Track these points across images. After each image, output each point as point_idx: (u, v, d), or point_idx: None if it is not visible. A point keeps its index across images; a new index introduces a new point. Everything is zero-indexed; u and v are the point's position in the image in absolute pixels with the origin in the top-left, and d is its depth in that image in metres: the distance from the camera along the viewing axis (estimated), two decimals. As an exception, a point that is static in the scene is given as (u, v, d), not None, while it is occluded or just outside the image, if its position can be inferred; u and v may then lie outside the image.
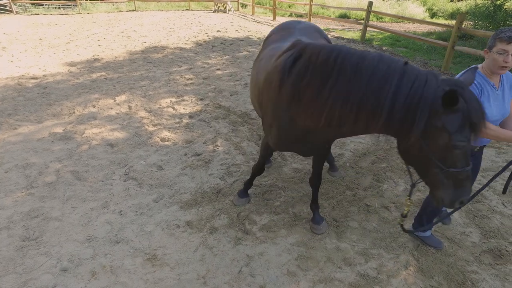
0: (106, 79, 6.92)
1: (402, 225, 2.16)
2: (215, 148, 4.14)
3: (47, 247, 2.64)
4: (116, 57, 8.78)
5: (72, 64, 8.04)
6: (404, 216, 2.10)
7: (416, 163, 1.72)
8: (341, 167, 3.74)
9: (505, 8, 11.39)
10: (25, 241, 2.70)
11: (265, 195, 3.25)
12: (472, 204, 3.26)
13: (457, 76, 2.06)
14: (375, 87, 1.59)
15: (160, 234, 2.76)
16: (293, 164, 3.78)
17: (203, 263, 2.48)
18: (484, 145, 2.40)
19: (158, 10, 21.75)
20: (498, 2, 11.43)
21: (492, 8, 11.29)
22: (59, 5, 21.15)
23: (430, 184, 1.71)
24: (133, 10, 20.91)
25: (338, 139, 4.37)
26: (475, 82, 2.10)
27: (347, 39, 11.96)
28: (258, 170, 3.01)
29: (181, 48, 9.89)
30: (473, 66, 1.97)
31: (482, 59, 8.57)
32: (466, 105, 1.48)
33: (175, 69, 7.75)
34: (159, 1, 22.76)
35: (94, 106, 5.42)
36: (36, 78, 6.96)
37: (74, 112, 5.20)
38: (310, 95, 1.78)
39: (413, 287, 2.35)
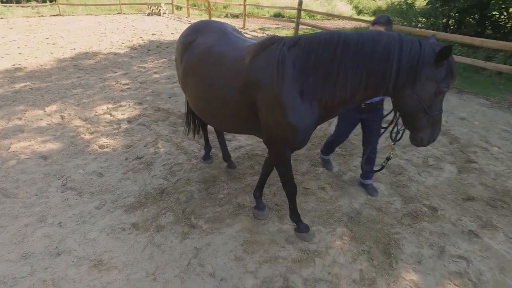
0: (32, 89, 6.42)
1: (383, 166, 2.61)
2: (156, 150, 4.12)
3: (-24, 270, 2.45)
4: (41, 65, 8.15)
5: (-11, 76, 7.31)
6: (388, 159, 2.52)
7: (407, 113, 2.02)
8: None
9: (415, 6, 12.78)
10: (-51, 268, 2.48)
11: (209, 190, 3.35)
12: (396, 176, 3.70)
13: None
14: (380, 56, 1.89)
15: (105, 239, 2.72)
16: (234, 159, 3.92)
17: (151, 261, 2.51)
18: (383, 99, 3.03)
19: (87, 14, 20.46)
20: (409, 1, 12.78)
21: (404, 6, 12.61)
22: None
23: (414, 128, 2.07)
24: (57, 15, 19.41)
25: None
26: None
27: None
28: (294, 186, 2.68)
29: (115, 53, 9.50)
30: None
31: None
32: (447, 60, 1.86)
33: (109, 75, 7.45)
34: (87, 5, 21.42)
35: (20, 119, 5.03)
36: None
37: (-4, 127, 4.78)
38: (321, 76, 2.02)
39: (348, 254, 2.63)
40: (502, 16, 10.39)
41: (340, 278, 2.43)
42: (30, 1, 22.09)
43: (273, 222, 2.94)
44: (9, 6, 19.93)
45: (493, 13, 9.99)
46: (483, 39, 7.05)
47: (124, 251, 2.61)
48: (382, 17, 2.72)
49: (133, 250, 2.62)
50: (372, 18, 18.08)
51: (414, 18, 11.32)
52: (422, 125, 2.01)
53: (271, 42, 2.20)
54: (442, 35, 7.59)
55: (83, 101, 5.82)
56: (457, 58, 7.32)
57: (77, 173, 3.67)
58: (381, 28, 2.59)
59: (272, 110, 2.15)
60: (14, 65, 8.11)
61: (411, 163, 3.99)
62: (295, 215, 2.78)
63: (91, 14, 20.52)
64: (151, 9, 20.74)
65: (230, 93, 2.33)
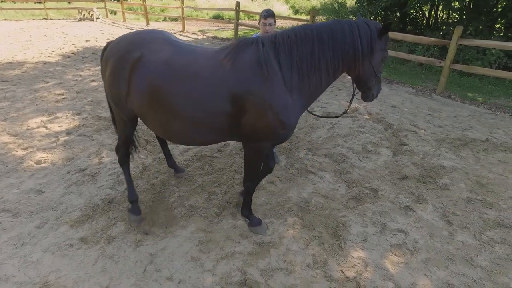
0: None
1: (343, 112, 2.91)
2: (100, 160, 3.94)
3: None
4: (-44, 79, 7.27)
5: None
6: (345, 112, 2.90)
7: (364, 79, 2.47)
8: (228, 155, 4.04)
9: (346, 6, 13.70)
10: None
11: (159, 195, 3.30)
12: (339, 164, 3.96)
13: (254, 35, 3.17)
14: (350, 41, 2.24)
15: (50, 258, 2.55)
16: (183, 161, 3.90)
17: (104, 273, 2.42)
18: None
19: (5, 19, 18.55)
20: (340, 1, 13.66)
21: (336, 5, 13.45)
22: None
23: (367, 89, 2.54)
24: (-30, 22, 17.34)
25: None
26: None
27: (222, 38, 12.53)
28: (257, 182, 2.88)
29: (45, 62, 8.79)
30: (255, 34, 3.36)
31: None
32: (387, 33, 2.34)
33: (41, 85, 6.89)
34: (4, 9, 19.38)
35: None
36: None
37: None
38: (305, 69, 2.24)
39: (301, 241, 2.77)
40: (418, 14, 11.60)
41: (295, 264, 2.56)
42: None
43: (227, 219, 2.99)
44: None
45: (411, 11, 11.08)
46: (404, 34, 7.80)
47: (73, 268, 2.47)
48: (268, 10, 3.50)
49: (83, 265, 2.49)
50: (308, 17, 18.98)
51: (345, 16, 12.09)
52: (373, 85, 2.51)
53: (247, 44, 2.26)
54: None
55: (10, 115, 5.33)
56: (385, 52, 7.98)
57: (11, 193, 3.37)
58: (272, 19, 3.47)
59: (264, 112, 2.19)
60: None
61: (352, 150, 4.30)
62: (247, 210, 2.87)
63: (10, 20, 18.65)
64: (83, 14, 19.50)
65: (215, 105, 2.22)
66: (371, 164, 3.98)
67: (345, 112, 2.87)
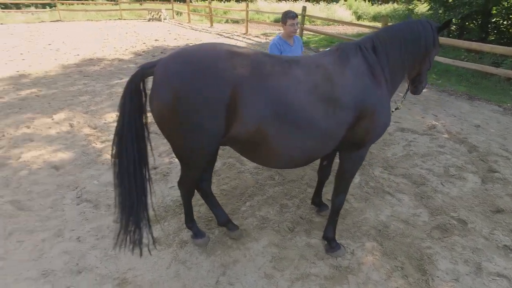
0: (38, 96, 6.31)
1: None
2: (171, 160, 4.02)
3: (-7, 291, 2.33)
4: (46, 72, 8.04)
5: (-8, 82, 7.18)
6: (397, 108, 3.07)
7: (420, 74, 2.61)
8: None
9: (417, 12, 12.87)
10: (-37, 288, 2.35)
11: (230, 201, 3.24)
12: (419, 187, 3.61)
13: (270, 48, 3.86)
14: (425, 42, 2.35)
15: (127, 255, 2.59)
16: (253, 169, 3.82)
17: (178, 279, 2.40)
18: None
19: (87, 20, 20.39)
20: (410, 7, 12.88)
21: (407, 11, 12.68)
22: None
23: (419, 83, 2.68)
24: (57, 21, 19.32)
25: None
26: (276, 43, 3.89)
27: (286, 43, 12.42)
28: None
29: (120, 60, 9.41)
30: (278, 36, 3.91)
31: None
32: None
33: (116, 81, 7.35)
34: (87, 11, 21.36)
35: (28, 127, 4.91)
36: (-50, 101, 6.09)
37: (3, 135, 4.65)
38: (395, 67, 2.33)
39: (382, 270, 2.53)
40: (505, 22, 10.44)
41: (375, 296, 2.33)
42: (29, 6, 21.97)
43: (300, 236, 2.84)
44: (8, 12, 19.79)
45: (497, 19, 10.04)
46: (492, 45, 7.04)
47: (148, 269, 2.49)
48: (292, 12, 3.78)
49: (157, 267, 2.50)
50: (373, 24, 18.26)
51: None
52: (424, 78, 2.67)
53: (351, 50, 2.24)
54: (448, 41, 7.58)
55: (91, 109, 5.71)
56: (465, 64, 7.30)
57: (92, 184, 3.56)
58: (297, 20, 3.82)
59: (377, 116, 2.21)
60: (18, 71, 7.98)
61: (432, 172, 3.92)
62: (332, 232, 2.67)
63: (92, 20, 20.45)
64: (152, 15, 20.73)
65: (339, 118, 2.09)
66: (456, 191, 3.57)
67: (397, 108, 3.02)
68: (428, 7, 11.20)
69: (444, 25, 2.41)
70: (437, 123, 5.42)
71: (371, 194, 3.48)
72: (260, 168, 3.82)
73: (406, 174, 3.88)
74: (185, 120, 1.91)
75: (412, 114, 5.79)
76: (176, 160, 4.02)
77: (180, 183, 2.48)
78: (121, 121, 2.06)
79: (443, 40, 7.65)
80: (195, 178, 2.39)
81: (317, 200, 3.12)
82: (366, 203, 3.32)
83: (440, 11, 10.53)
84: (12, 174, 3.71)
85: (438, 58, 7.59)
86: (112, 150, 2.14)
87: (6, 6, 20.88)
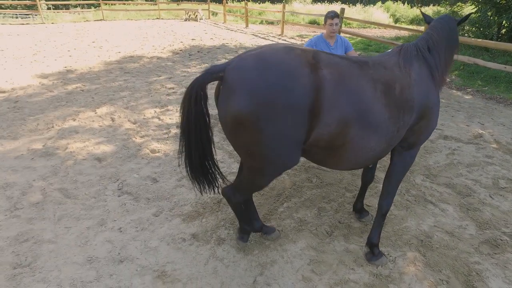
0: (83, 90, 6.64)
1: None
2: (209, 157, 4.07)
3: (44, 272, 2.46)
4: (90, 68, 8.46)
5: (43, 76, 7.65)
6: None
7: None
8: (337, 170, 3.80)
9: (462, 14, 12.23)
10: (16, 268, 2.49)
11: (267, 201, 3.23)
12: (464, 198, 3.42)
13: (306, 44, 3.84)
14: (455, 36, 2.41)
15: (166, 249, 2.66)
16: (290, 171, 3.78)
17: (216, 276, 2.42)
18: None
19: (128, 19, 21.26)
20: (455, 9, 12.27)
21: (451, 14, 12.09)
22: (16, 15, 20.04)
23: (447, 70, 2.45)
24: (100, 20, 20.31)
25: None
26: (312, 41, 3.97)
27: (321, 44, 12.26)
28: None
29: (158, 57, 9.71)
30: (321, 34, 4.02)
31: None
32: None
33: (154, 78, 7.58)
34: (128, 10, 22.27)
35: (74, 120, 5.17)
36: (4, 92, 6.54)
37: (53, 127, 4.93)
38: (442, 66, 2.33)
39: (425, 283, 2.41)
40: None
41: (419, 310, 2.22)
42: (76, 7, 23.26)
43: (339, 241, 2.77)
44: (57, 12, 21.07)
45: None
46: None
47: (187, 263, 2.53)
48: (334, 11, 3.81)
49: (195, 262, 2.53)
50: (410, 26, 17.58)
51: (466, 27, 10.80)
52: (451, 66, 2.61)
53: (412, 52, 2.26)
54: (498, 45, 7.13)
55: (131, 104, 5.92)
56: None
57: (132, 177, 3.67)
58: (338, 20, 3.82)
59: (434, 115, 2.28)
60: (66, 67, 8.46)
61: (479, 184, 3.69)
62: (377, 237, 2.56)
63: (132, 19, 21.29)
64: (188, 15, 21.23)
65: (406, 120, 2.12)
66: (507, 205, 3.34)
67: None
68: (476, 9, 10.62)
69: (464, 19, 2.51)
70: (483, 131, 5.11)
71: (412, 202, 3.34)
72: (297, 170, 3.78)
73: (450, 183, 3.68)
74: (267, 128, 1.80)
75: (455, 122, 5.50)
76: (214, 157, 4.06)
77: (240, 189, 2.33)
78: (187, 126, 2.10)
79: (492, 44, 7.23)
80: (264, 186, 2.30)
81: (359, 206, 3.03)
82: (407, 211, 3.19)
83: (490, 13, 9.95)
84: (60, 164, 3.92)
85: (486, 63, 7.17)
86: (179, 158, 2.29)
87: (56, 7, 22.24)
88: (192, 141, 2.13)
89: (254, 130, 1.82)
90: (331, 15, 3.78)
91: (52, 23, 18.79)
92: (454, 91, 7.31)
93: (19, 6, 21.05)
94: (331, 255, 2.61)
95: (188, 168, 2.28)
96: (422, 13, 2.83)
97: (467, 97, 6.94)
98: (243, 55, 1.96)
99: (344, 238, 2.79)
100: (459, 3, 12.67)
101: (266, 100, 1.77)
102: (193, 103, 2.02)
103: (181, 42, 12.44)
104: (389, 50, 2.38)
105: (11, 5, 20.97)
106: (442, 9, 13.34)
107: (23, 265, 2.51)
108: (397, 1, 26.23)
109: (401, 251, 2.70)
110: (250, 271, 2.46)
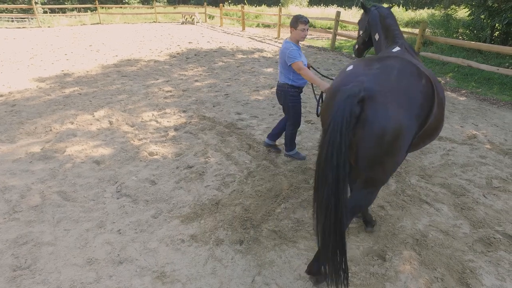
0: (80, 94, 6.66)
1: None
2: (206, 159, 4.11)
3: (43, 274, 2.48)
4: (88, 71, 8.48)
5: (40, 80, 7.66)
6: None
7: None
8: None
9: (456, 17, 12.38)
10: (16, 270, 2.51)
11: (265, 202, 3.27)
12: (458, 197, 3.48)
13: (295, 52, 3.47)
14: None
15: (165, 250, 2.69)
16: (287, 172, 3.83)
17: (215, 276, 2.45)
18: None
19: (124, 22, 21.29)
20: (449, 12, 12.42)
21: (446, 17, 12.25)
22: (12, 18, 20.02)
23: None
24: (97, 23, 20.33)
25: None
26: (296, 47, 3.54)
27: (318, 47, 12.37)
28: None
29: (155, 61, 9.74)
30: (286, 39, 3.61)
31: (443, 64, 9.21)
32: None
33: (152, 81, 7.62)
34: (125, 14, 22.31)
35: (72, 123, 5.19)
36: (1, 96, 6.55)
37: (51, 130, 4.95)
38: None
39: (420, 281, 2.45)
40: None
41: (414, 307, 2.26)
42: (72, 10, 23.28)
43: (335, 241, 2.81)
44: (54, 16, 21.06)
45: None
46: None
47: (186, 264, 2.56)
48: (304, 16, 3.57)
49: (194, 263, 2.57)
50: (405, 29, 17.75)
51: (460, 30, 10.94)
52: None
53: (411, 50, 2.68)
54: (492, 47, 7.24)
55: (128, 107, 5.95)
56: (509, 71, 6.94)
57: (130, 180, 3.70)
58: (307, 26, 3.55)
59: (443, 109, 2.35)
60: (63, 71, 8.47)
61: (473, 183, 3.75)
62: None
63: (128, 23, 21.32)
64: (185, 18, 21.31)
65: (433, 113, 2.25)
66: (500, 204, 3.40)
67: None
68: (469, 12, 10.76)
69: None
70: (477, 132, 5.19)
71: (407, 202, 3.39)
72: (294, 171, 3.82)
73: (445, 183, 3.74)
74: (407, 141, 1.95)
75: (449, 123, 5.57)
76: (212, 159, 4.10)
77: (366, 205, 2.42)
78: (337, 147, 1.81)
79: (485, 46, 7.33)
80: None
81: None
82: (402, 211, 3.24)
83: (483, 16, 10.08)
84: (59, 167, 3.94)
85: (479, 65, 7.28)
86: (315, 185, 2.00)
87: (52, 11, 22.25)
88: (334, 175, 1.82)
89: (399, 145, 1.93)
90: (306, 20, 3.48)
91: (49, 26, 18.79)
92: (448, 92, 7.40)
93: (15, 10, 21.03)
94: (328, 255, 2.65)
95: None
96: (362, 3, 3.29)
97: (461, 98, 7.03)
98: (382, 68, 2.05)
99: (340, 238, 2.83)
100: (453, 6, 12.83)
101: (414, 114, 1.95)
102: (345, 127, 1.78)
103: (178, 45, 12.48)
104: (394, 50, 2.51)
105: (6, 8, 20.94)
106: (437, 12, 13.50)
107: (22, 267, 2.53)
108: (392, 4, 26.49)
109: (397, 250, 2.74)
110: (249, 271, 2.50)
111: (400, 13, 24.31)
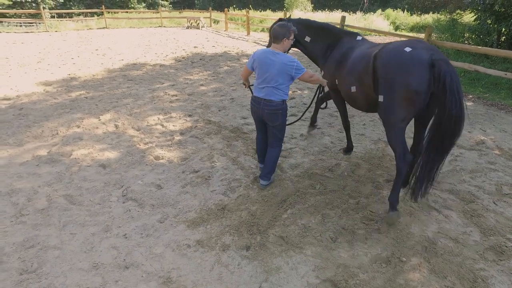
0: (86, 98, 6.70)
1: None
2: (212, 164, 4.09)
3: (49, 278, 2.47)
4: (94, 75, 8.54)
5: (47, 84, 7.73)
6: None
7: None
8: (340, 177, 3.82)
9: (462, 22, 12.33)
10: (23, 274, 2.50)
11: (271, 207, 3.24)
12: (467, 204, 3.43)
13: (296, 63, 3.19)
14: None
15: (171, 255, 2.67)
16: (294, 177, 3.81)
17: (221, 282, 2.42)
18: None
19: (130, 27, 21.47)
20: (455, 17, 12.38)
21: (451, 22, 12.20)
22: (20, 23, 20.34)
23: None
24: (103, 28, 20.52)
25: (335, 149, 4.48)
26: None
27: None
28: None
29: (161, 65, 9.80)
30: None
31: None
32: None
33: (157, 85, 7.65)
34: (130, 18, 22.51)
35: (78, 126, 5.22)
36: (9, 99, 6.61)
37: (57, 133, 4.98)
38: None
39: (430, 289, 2.41)
40: None
41: (424, 316, 2.21)
42: (79, 15, 23.56)
43: (343, 247, 2.77)
44: (61, 20, 21.32)
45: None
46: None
47: (192, 269, 2.54)
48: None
49: (201, 269, 2.54)
50: (413, 34, 17.74)
51: (466, 35, 10.89)
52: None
53: None
54: (499, 52, 7.18)
55: (134, 111, 5.97)
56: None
57: (136, 184, 3.69)
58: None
59: None
60: (69, 74, 8.54)
61: (482, 190, 3.70)
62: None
63: (134, 27, 21.50)
64: (190, 23, 21.44)
65: None
66: (511, 211, 3.34)
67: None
68: (475, 16, 10.71)
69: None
70: (485, 138, 5.12)
71: (415, 208, 3.34)
72: (301, 177, 3.79)
73: (453, 190, 3.69)
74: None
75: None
76: (218, 164, 4.09)
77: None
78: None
79: (493, 51, 7.27)
80: None
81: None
82: (410, 218, 3.19)
83: (489, 21, 10.03)
84: (65, 170, 3.95)
85: (487, 70, 7.21)
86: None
87: (59, 15, 22.55)
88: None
89: None
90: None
91: (56, 31, 19.01)
92: (455, 98, 7.34)
93: (23, 15, 21.33)
94: (336, 261, 2.61)
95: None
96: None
97: (468, 103, 6.96)
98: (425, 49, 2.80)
99: (348, 245, 2.80)
100: (459, 11, 12.79)
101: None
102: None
103: (184, 49, 12.55)
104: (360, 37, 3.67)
105: (15, 13, 21.25)
106: (442, 17, 13.47)
107: (29, 271, 2.53)
108: (397, 9, 26.47)
109: (406, 257, 2.70)
110: (255, 277, 2.47)
111: (405, 17, 24.28)
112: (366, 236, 2.93)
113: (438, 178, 3.87)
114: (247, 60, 10.68)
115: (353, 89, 3.25)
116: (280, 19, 4.02)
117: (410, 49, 2.75)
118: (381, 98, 2.88)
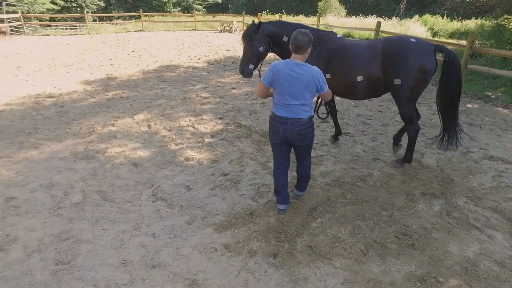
0: (122, 97, 6.94)
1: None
2: (242, 168, 4.08)
3: (82, 271, 2.54)
4: (130, 76, 8.85)
5: (86, 83, 8.10)
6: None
7: None
8: (372, 187, 3.68)
9: (510, 28, 11.58)
10: (58, 265, 2.60)
11: (300, 216, 3.16)
12: (513, 224, 3.17)
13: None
14: None
15: (198, 257, 2.67)
16: (324, 185, 3.71)
17: (247, 289, 2.38)
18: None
19: (165, 30, 22.16)
20: (502, 22, 11.66)
21: (497, 28, 11.50)
22: (66, 26, 21.73)
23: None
24: (140, 30, 21.32)
25: (367, 157, 4.33)
26: None
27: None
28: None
29: (194, 67, 9.99)
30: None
31: (492, 77, 8.64)
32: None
33: (190, 87, 7.79)
34: (166, 22, 23.24)
35: (113, 125, 5.40)
36: (53, 97, 6.99)
37: (94, 131, 5.18)
38: None
39: (470, 315, 2.23)
40: None
41: None
42: (118, 18, 24.67)
43: (374, 261, 2.65)
44: (102, 23, 22.45)
45: None
46: None
47: (218, 274, 2.52)
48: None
49: (227, 273, 2.52)
50: (454, 41, 16.95)
51: (509, 41, 10.24)
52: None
53: None
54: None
55: (167, 112, 6.10)
56: None
57: (166, 184, 3.75)
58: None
59: None
60: (107, 75, 8.91)
61: (530, 210, 3.41)
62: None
63: (169, 30, 22.16)
64: (223, 27, 21.77)
65: None
66: None
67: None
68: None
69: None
70: (533, 153, 4.74)
71: (453, 225, 3.14)
72: (331, 185, 3.69)
73: (498, 208, 3.43)
74: None
75: (502, 142, 5.16)
76: (247, 168, 4.07)
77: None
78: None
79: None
80: None
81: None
82: (448, 235, 3.00)
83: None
84: (99, 167, 4.09)
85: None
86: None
87: (100, 19, 23.75)
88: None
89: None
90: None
91: (97, 33, 19.99)
92: (500, 108, 6.90)
93: (69, 19, 22.68)
94: (367, 276, 2.50)
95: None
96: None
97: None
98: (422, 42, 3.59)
99: (380, 259, 2.67)
100: (507, 16, 12.03)
101: None
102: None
103: (216, 52, 12.75)
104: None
105: (62, 17, 22.62)
106: (486, 22, 12.74)
107: (64, 262, 2.62)
108: (435, 15, 25.45)
109: (443, 278, 2.53)
110: (282, 286, 2.41)
111: (444, 23, 23.28)
112: (399, 251, 2.78)
113: (480, 195, 3.65)
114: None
115: (360, 78, 3.64)
116: (253, 22, 4.01)
117: (414, 40, 3.49)
118: (398, 81, 3.46)
